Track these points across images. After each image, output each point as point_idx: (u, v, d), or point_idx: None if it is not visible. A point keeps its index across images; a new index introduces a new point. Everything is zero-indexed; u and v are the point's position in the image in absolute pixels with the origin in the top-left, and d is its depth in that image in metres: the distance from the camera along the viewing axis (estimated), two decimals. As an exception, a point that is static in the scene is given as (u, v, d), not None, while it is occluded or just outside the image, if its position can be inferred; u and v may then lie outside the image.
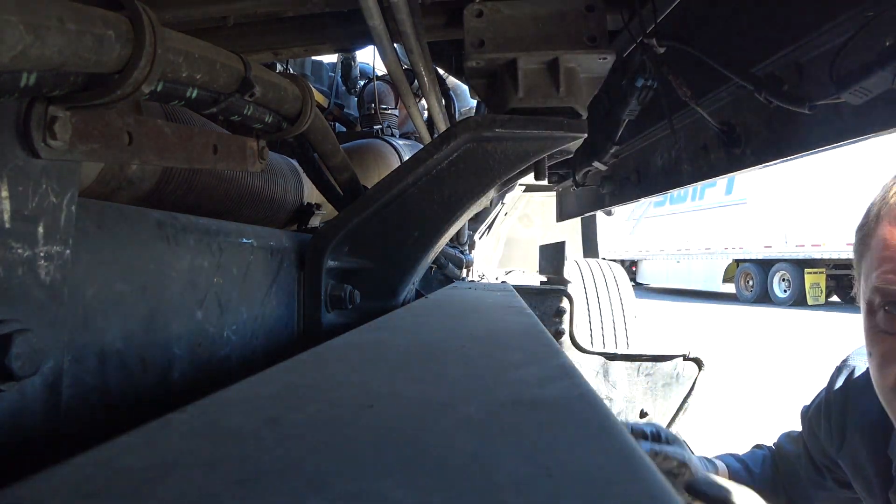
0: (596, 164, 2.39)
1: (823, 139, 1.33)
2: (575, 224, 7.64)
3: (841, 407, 1.47)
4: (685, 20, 1.69)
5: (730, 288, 17.70)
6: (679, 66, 1.53)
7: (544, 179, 1.38)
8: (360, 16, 1.31)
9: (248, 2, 1.44)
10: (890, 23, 1.01)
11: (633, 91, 1.69)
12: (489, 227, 6.88)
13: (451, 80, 3.03)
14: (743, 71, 1.40)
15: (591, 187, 3.00)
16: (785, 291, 15.64)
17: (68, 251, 0.60)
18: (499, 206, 6.11)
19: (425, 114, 2.49)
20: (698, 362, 2.69)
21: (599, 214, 4.08)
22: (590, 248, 7.86)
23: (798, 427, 1.73)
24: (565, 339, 2.95)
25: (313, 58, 3.45)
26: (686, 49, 1.47)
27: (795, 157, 1.47)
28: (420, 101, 2.24)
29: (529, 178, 1.98)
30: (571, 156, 1.53)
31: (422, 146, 2.27)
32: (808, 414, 1.65)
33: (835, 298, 15.81)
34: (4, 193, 0.54)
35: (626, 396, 2.76)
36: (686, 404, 2.71)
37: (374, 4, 1.26)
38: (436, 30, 1.62)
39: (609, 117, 2.03)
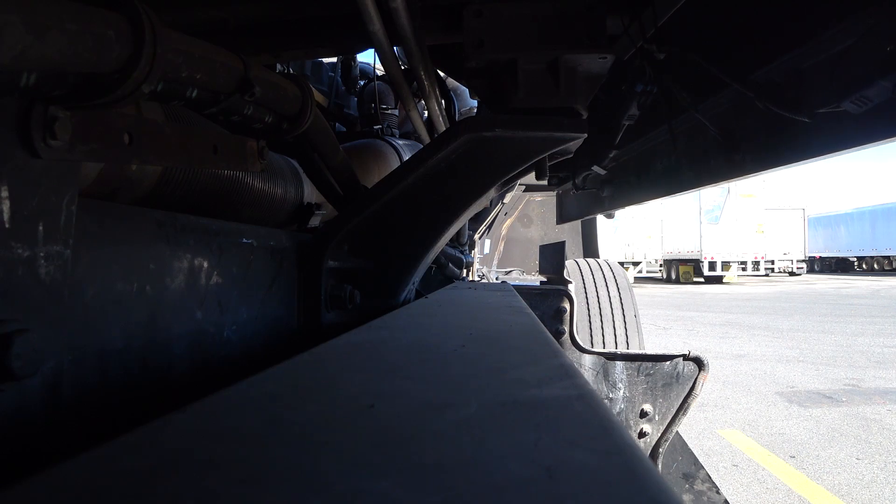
0: (595, 167, 2.39)
1: (824, 147, 1.33)
2: (575, 224, 7.64)
3: None
4: (685, 25, 1.69)
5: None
6: (679, 71, 1.53)
7: (545, 179, 1.38)
8: (360, 20, 1.31)
9: (249, 5, 1.44)
10: (891, 30, 1.00)
11: (633, 96, 1.68)
12: (489, 227, 6.87)
13: (452, 81, 3.03)
14: (743, 78, 1.40)
15: (591, 190, 3.00)
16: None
17: (68, 251, 0.60)
18: (498, 205, 6.11)
19: (425, 114, 2.49)
20: (698, 362, 2.69)
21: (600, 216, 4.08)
22: (590, 249, 7.86)
23: None
24: (565, 339, 2.94)
25: (313, 58, 3.44)
26: (686, 55, 1.47)
27: (795, 164, 1.47)
28: (420, 101, 2.24)
29: (530, 178, 1.97)
30: (571, 156, 1.53)
31: (422, 146, 2.27)
32: None
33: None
34: (4, 193, 0.53)
35: (626, 396, 2.76)
36: (686, 404, 2.71)
37: (375, 10, 1.26)
38: (435, 33, 1.62)
39: (609, 121, 2.03)
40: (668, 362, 2.74)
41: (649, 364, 2.76)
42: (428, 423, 0.42)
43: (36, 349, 0.53)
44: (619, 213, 3.28)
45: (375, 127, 3.08)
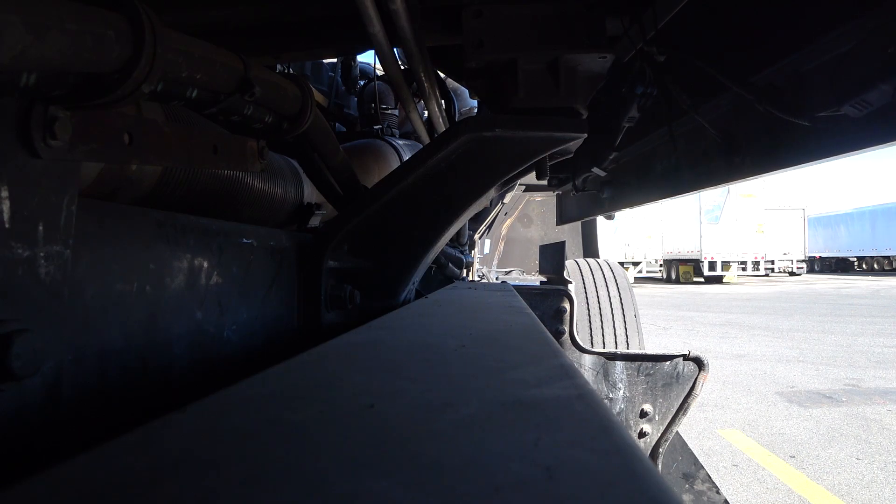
0: (595, 169, 2.38)
1: (824, 150, 1.32)
2: (575, 224, 7.64)
3: None
4: (686, 27, 1.68)
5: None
6: (680, 73, 1.53)
7: (545, 179, 1.39)
8: (360, 21, 1.31)
9: (249, 5, 1.44)
10: (892, 32, 1.00)
11: (633, 98, 1.68)
12: (489, 227, 6.87)
13: (452, 81, 3.03)
14: (743, 81, 1.40)
15: (591, 192, 3.00)
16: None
17: (68, 251, 0.60)
18: (498, 205, 6.11)
19: (425, 114, 2.49)
20: (698, 362, 2.69)
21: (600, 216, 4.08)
22: (590, 249, 7.86)
23: None
24: (565, 339, 2.94)
25: (313, 58, 3.43)
26: (686, 57, 1.46)
27: (795, 167, 1.46)
28: (419, 102, 2.24)
29: (530, 178, 1.97)
30: (571, 156, 1.53)
31: (422, 146, 2.27)
32: None
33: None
34: (4, 193, 0.53)
35: (626, 396, 2.76)
36: (686, 404, 2.71)
37: (375, 12, 1.26)
38: (435, 34, 1.61)
39: (609, 123, 2.03)
40: (668, 362, 2.74)
41: (649, 364, 2.76)
42: (428, 423, 0.42)
43: (36, 349, 0.53)
44: (619, 212, 3.28)
45: (375, 127, 3.08)
